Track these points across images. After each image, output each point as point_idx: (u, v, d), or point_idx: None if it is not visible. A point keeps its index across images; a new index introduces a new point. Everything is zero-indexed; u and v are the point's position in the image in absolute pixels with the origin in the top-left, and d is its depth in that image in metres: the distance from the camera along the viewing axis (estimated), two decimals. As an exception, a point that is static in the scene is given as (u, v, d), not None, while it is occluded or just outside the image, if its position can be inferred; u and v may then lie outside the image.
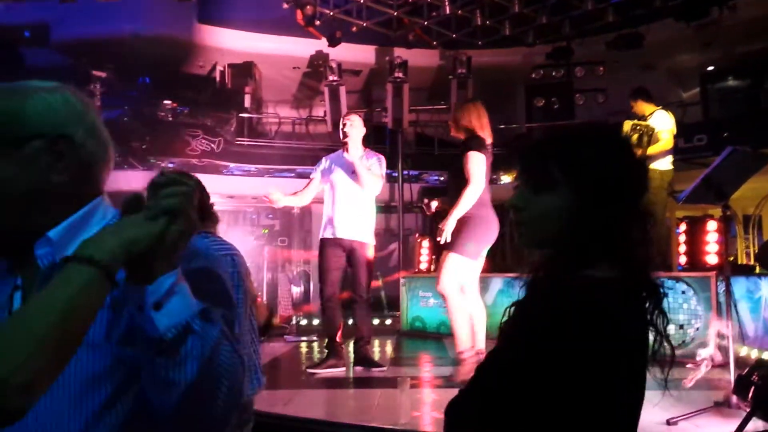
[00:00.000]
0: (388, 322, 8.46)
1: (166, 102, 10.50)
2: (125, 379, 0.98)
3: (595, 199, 1.18)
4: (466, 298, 4.23)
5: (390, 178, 9.66)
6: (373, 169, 4.81)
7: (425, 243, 8.81)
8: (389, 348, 6.13)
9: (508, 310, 1.26)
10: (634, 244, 1.20)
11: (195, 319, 0.91)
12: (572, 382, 1.08)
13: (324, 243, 4.88)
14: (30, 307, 0.83)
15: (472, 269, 4.23)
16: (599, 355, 1.10)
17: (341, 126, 4.96)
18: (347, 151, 4.83)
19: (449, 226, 4.08)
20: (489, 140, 4.31)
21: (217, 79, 11.89)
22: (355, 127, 4.88)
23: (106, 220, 1.07)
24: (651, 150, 6.04)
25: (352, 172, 4.80)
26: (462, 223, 4.14)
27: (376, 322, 8.46)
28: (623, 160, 1.24)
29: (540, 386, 1.10)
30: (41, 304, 0.81)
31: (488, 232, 4.20)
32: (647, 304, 1.21)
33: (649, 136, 6.00)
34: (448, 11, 10.64)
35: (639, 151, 5.92)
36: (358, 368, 4.84)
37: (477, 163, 4.14)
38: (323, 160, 5.08)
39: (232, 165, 10.72)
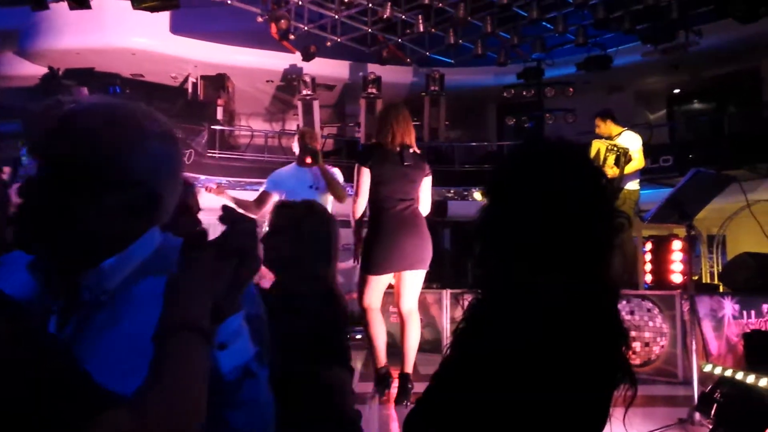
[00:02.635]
0: (358, 336, 8.42)
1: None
2: None
3: (541, 212, 1.20)
4: (411, 316, 4.17)
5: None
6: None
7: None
8: (359, 363, 6.09)
9: (463, 316, 1.28)
10: (584, 254, 1.21)
11: (252, 362, 0.91)
12: (532, 390, 1.09)
13: None
14: (172, 379, 0.82)
15: (375, 284, 4.10)
16: (557, 363, 1.11)
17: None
18: (302, 164, 4.83)
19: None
20: (398, 148, 4.12)
21: (189, 90, 11.82)
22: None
23: (150, 248, 1.03)
24: (627, 170, 6.15)
25: (309, 186, 4.82)
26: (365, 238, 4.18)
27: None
28: (571, 174, 1.24)
29: (499, 394, 1.11)
30: (182, 378, 0.81)
31: (379, 244, 4.05)
32: (600, 317, 1.21)
33: (625, 156, 6.11)
34: (422, 29, 10.75)
35: (617, 172, 6.02)
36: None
37: (356, 177, 4.10)
38: (275, 173, 5.10)
39: (202, 177, 10.63)
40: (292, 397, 1.70)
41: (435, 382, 1.25)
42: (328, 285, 2.07)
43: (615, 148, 6.11)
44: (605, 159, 6.03)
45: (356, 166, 4.16)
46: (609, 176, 6.22)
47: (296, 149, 4.92)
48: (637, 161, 6.27)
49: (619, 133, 6.42)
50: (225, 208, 0.91)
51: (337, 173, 4.86)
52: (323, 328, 1.93)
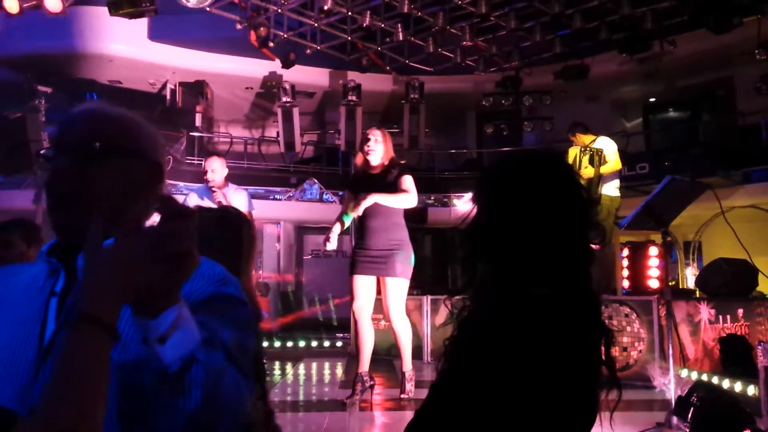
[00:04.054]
0: (339, 344, 8.41)
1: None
2: (131, 404, 0.97)
3: (525, 221, 1.22)
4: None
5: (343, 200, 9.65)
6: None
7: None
8: (339, 370, 6.08)
9: (454, 326, 1.28)
10: (572, 263, 1.23)
11: (199, 349, 0.91)
12: (528, 399, 1.11)
13: None
14: (59, 375, 0.82)
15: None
16: (553, 372, 1.13)
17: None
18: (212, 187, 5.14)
19: (368, 202, 4.16)
20: None
21: (168, 97, 11.73)
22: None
23: None
24: (603, 170, 6.29)
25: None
26: (401, 246, 4.30)
27: (327, 344, 8.42)
28: (557, 185, 1.27)
29: (497, 404, 1.12)
30: (67, 373, 0.81)
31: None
32: (589, 322, 1.23)
33: (599, 156, 6.25)
34: (401, 38, 10.80)
35: (592, 171, 6.16)
36: (306, 390, 4.81)
37: (413, 184, 4.34)
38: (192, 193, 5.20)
39: (181, 184, 10.54)
40: None
41: (433, 393, 1.25)
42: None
43: (588, 149, 6.26)
44: (580, 161, 6.17)
45: (410, 175, 4.35)
46: (585, 177, 6.41)
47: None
48: (614, 162, 6.43)
49: (593, 140, 6.57)
50: (164, 198, 0.88)
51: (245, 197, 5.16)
52: None
